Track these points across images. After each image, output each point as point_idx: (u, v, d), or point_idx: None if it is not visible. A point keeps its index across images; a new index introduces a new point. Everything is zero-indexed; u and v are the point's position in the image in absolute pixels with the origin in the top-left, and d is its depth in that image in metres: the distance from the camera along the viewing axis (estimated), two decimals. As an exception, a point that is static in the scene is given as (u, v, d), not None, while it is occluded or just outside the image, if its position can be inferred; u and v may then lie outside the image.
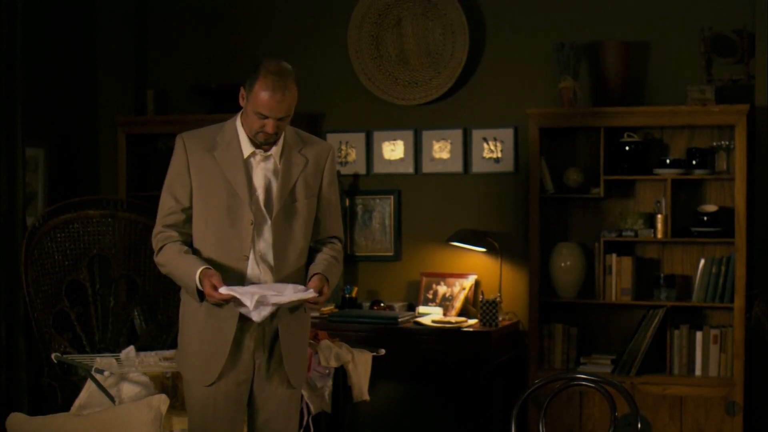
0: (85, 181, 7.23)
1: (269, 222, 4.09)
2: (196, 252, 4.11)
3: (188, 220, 4.15)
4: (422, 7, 6.79)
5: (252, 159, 4.11)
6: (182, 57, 7.33)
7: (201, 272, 3.98)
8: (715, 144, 6.25)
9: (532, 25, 6.67)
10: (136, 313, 6.54)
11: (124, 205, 6.42)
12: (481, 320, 6.36)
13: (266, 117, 3.99)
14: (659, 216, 6.26)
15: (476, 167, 6.78)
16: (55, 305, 6.09)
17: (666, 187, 6.26)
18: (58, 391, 5.88)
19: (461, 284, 6.67)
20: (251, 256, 4.07)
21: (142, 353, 5.06)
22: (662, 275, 6.32)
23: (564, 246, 6.46)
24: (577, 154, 6.57)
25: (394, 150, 6.93)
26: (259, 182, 4.10)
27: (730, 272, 6.13)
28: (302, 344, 4.25)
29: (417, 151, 6.89)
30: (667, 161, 6.28)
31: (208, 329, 4.09)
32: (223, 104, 7.03)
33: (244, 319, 4.05)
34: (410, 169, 6.89)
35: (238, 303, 3.94)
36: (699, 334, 6.22)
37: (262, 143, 4.07)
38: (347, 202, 6.91)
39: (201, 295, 4.01)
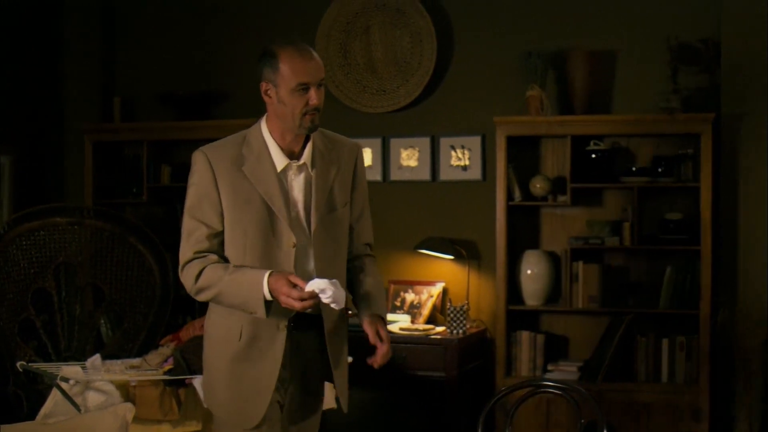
0: (52, 188, 7.19)
1: (311, 239, 3.70)
2: None
3: (221, 244, 3.69)
4: (390, 15, 6.80)
5: (288, 172, 3.70)
6: (149, 64, 7.31)
7: (270, 276, 3.53)
8: (680, 152, 6.29)
9: (500, 34, 6.69)
10: (102, 321, 6.51)
11: (91, 212, 6.39)
12: (448, 328, 6.37)
13: (307, 87, 3.61)
14: (625, 224, 6.29)
15: (444, 175, 6.79)
16: (21, 313, 6.05)
17: (632, 195, 6.29)
18: (24, 400, 5.84)
19: (429, 292, 6.68)
20: None
21: (108, 361, 5.04)
22: (629, 282, 6.36)
23: (531, 254, 6.48)
24: (544, 162, 6.59)
25: (362, 158, 6.92)
26: (297, 197, 3.70)
27: (696, 279, 6.17)
28: (345, 364, 3.94)
29: (385, 158, 6.90)
30: (634, 169, 6.31)
31: (250, 364, 3.69)
32: (190, 112, 7.02)
33: (284, 350, 3.68)
34: (378, 177, 6.90)
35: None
36: (665, 341, 6.25)
37: (310, 127, 3.65)
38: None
39: (268, 306, 3.57)
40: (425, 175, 6.82)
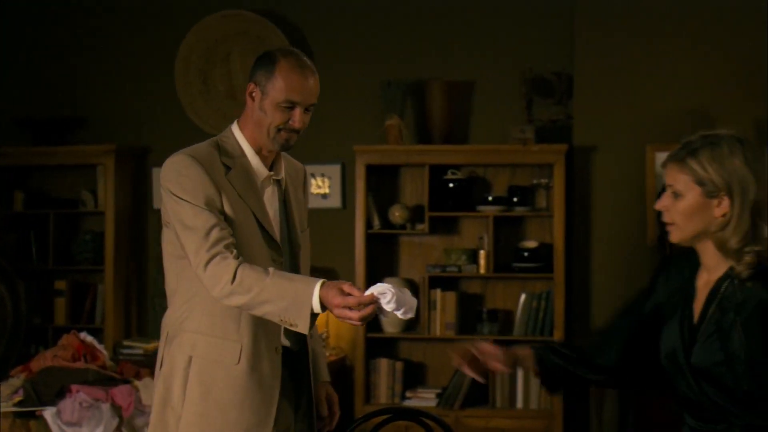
0: None
1: (297, 258, 3.47)
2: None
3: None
4: (251, 43, 6.79)
5: (267, 184, 3.43)
6: (4, 88, 7.14)
7: (323, 285, 3.12)
8: (535, 182, 6.43)
9: (359, 64, 6.75)
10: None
11: (-60, 239, 6.22)
12: (307, 356, 6.36)
13: (294, 106, 3.33)
14: (482, 252, 6.39)
15: (304, 203, 6.80)
16: None
17: (488, 223, 6.40)
18: None
19: (288, 320, 6.66)
20: None
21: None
22: (485, 310, 6.45)
23: (390, 281, 6.51)
24: (403, 191, 6.66)
25: (221, 185, 6.88)
26: (280, 212, 3.45)
27: (550, 306, 6.29)
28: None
29: (245, 186, 6.86)
30: (490, 198, 6.42)
31: (253, 390, 3.32)
32: (46, 137, 6.88)
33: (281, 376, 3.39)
34: (238, 205, 6.85)
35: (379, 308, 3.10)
36: (520, 368, 6.34)
37: (283, 145, 3.38)
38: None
39: (312, 320, 3.16)
40: (285, 202, 6.81)
